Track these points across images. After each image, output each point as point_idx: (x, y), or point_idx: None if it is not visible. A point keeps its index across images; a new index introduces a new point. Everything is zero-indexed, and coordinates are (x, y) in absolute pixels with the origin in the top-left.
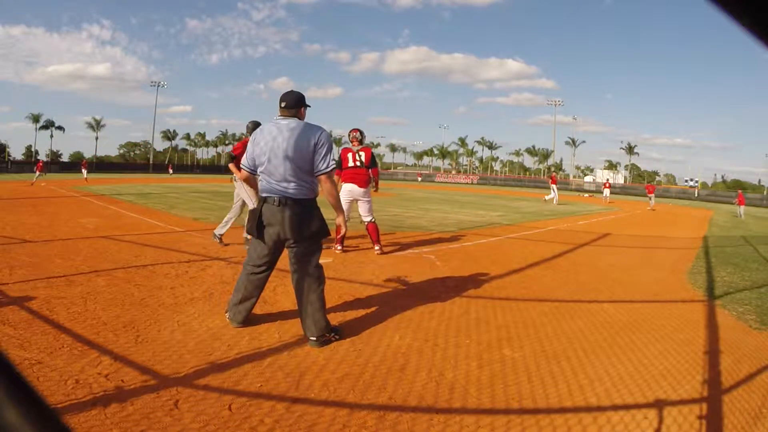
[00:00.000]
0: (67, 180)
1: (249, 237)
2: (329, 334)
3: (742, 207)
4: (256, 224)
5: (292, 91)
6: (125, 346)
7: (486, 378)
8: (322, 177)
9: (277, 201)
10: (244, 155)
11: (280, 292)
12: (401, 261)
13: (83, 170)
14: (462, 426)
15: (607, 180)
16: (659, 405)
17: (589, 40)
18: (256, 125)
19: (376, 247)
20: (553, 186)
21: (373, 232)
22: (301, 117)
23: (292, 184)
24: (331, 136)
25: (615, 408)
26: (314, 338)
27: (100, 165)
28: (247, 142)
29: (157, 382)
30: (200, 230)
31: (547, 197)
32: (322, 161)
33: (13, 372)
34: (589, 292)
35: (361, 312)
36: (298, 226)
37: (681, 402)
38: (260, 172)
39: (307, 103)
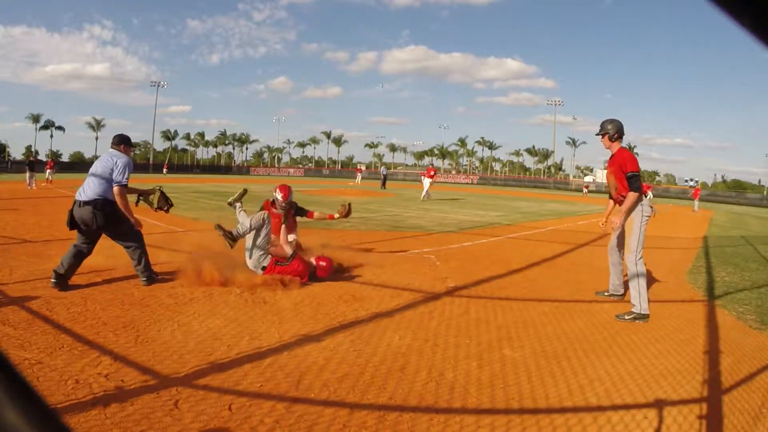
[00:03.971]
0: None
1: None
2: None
3: (696, 201)
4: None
5: (119, 134)
6: (125, 346)
7: (486, 378)
8: (116, 188)
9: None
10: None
11: (280, 293)
12: (401, 261)
13: (47, 170)
14: (462, 426)
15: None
16: (659, 405)
17: (589, 39)
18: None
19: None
20: (428, 180)
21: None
22: (122, 151)
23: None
24: (333, 136)
25: (615, 408)
26: (145, 279)
27: None
28: None
29: (157, 382)
30: (200, 230)
31: (423, 195)
32: (119, 175)
33: (13, 372)
34: (589, 292)
35: (361, 312)
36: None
37: (681, 402)
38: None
39: (126, 140)
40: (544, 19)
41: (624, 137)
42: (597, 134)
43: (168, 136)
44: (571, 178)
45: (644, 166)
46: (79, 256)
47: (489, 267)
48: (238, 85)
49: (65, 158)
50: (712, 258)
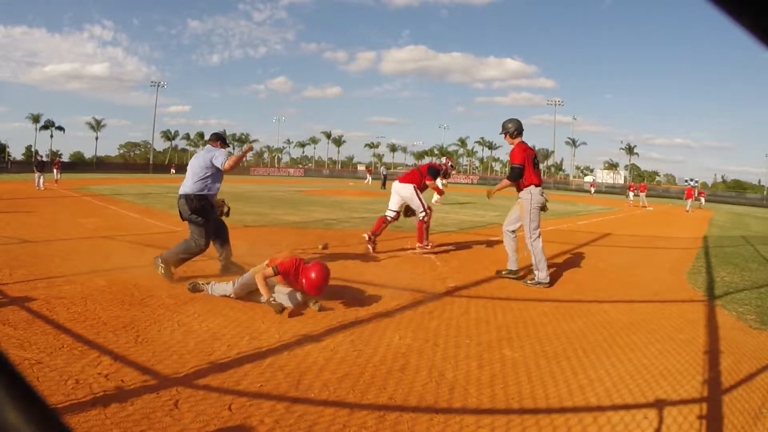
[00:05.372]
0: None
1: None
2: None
3: (690, 200)
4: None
5: (214, 132)
6: (125, 346)
7: (486, 378)
8: (223, 168)
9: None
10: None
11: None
12: (401, 261)
13: (54, 170)
14: (462, 426)
15: (633, 183)
16: (659, 405)
17: (589, 39)
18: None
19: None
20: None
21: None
22: (215, 146)
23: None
24: (332, 136)
25: (615, 408)
26: (156, 266)
27: (100, 165)
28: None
29: (157, 382)
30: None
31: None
32: (217, 161)
33: (13, 372)
34: (589, 292)
35: (362, 312)
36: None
37: (681, 402)
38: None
39: (226, 137)
40: (544, 19)
41: (523, 132)
42: (500, 133)
43: (168, 136)
44: (571, 178)
45: (644, 166)
46: (220, 244)
47: (489, 267)
48: (238, 85)
49: (65, 158)
50: (712, 258)
